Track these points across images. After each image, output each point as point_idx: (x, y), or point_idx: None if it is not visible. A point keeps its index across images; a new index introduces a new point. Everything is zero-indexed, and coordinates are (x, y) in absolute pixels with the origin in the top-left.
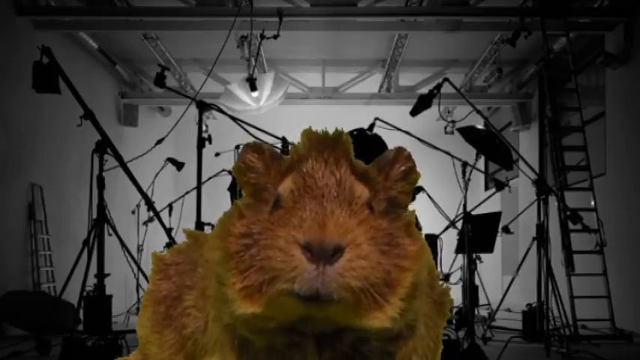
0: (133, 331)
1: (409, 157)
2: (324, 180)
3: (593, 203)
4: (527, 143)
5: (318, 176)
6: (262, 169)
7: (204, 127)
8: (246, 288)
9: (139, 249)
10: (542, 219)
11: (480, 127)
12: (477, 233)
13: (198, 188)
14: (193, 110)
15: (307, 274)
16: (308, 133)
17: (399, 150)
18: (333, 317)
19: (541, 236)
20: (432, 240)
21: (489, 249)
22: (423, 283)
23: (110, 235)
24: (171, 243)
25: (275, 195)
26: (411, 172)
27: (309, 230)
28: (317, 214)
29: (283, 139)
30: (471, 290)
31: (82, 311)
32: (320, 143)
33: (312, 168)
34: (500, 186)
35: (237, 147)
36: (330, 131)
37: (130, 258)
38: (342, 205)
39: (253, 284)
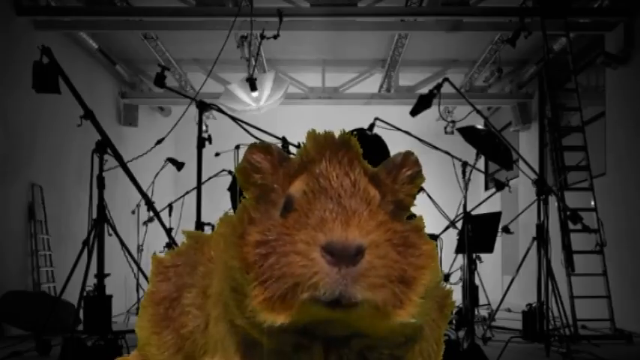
0: (133, 331)
1: (416, 162)
2: (338, 181)
3: (593, 203)
4: (527, 143)
5: (332, 177)
6: (269, 170)
7: (204, 127)
8: (269, 299)
9: (139, 249)
10: (542, 219)
11: (480, 127)
12: (477, 233)
13: (198, 188)
14: (193, 110)
15: (328, 278)
16: (315, 135)
17: (407, 154)
18: (354, 321)
19: (541, 236)
20: (432, 240)
21: (489, 249)
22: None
23: (110, 235)
24: (171, 243)
25: (284, 197)
26: (418, 176)
27: (331, 230)
28: (338, 214)
29: (283, 139)
30: (471, 290)
31: (82, 311)
32: (332, 145)
33: (326, 169)
34: (500, 186)
35: (238, 147)
36: (333, 132)
37: (130, 258)
38: (361, 206)
39: (274, 294)
